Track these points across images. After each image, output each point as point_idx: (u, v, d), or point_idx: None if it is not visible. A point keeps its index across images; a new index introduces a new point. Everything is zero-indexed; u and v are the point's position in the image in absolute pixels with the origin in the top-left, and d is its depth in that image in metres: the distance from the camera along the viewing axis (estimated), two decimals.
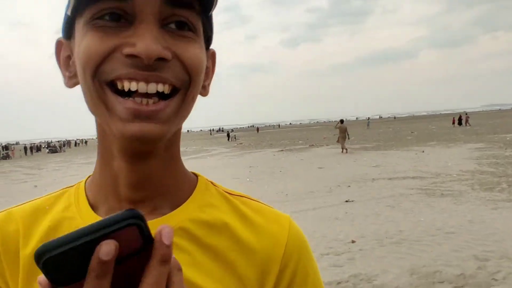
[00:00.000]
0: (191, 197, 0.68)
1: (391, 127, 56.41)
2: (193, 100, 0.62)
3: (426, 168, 13.60)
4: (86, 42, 0.56)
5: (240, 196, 0.72)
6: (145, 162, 0.63)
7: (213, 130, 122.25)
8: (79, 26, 0.58)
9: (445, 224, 6.99)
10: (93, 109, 0.59)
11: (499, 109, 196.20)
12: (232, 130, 51.51)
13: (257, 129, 79.45)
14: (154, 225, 0.57)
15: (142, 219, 0.39)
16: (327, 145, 27.91)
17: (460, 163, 14.43)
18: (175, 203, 0.67)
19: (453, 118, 49.10)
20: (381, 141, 28.77)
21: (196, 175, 0.75)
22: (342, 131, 21.14)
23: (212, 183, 0.75)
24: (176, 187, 0.68)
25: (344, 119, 24.09)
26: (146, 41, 0.54)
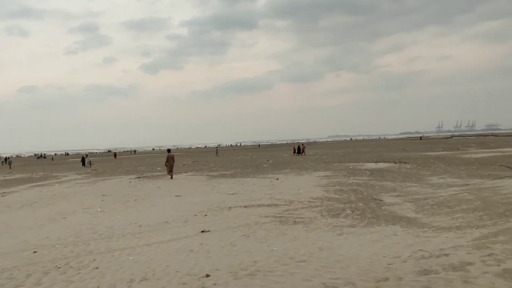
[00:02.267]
0: None
1: (249, 154, 58.39)
2: None
3: (280, 196, 14.05)
4: None
5: None
6: None
7: (39, 155, 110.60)
8: None
9: (297, 252, 7.09)
10: None
11: (344, 140, 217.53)
12: (87, 155, 48.03)
13: (115, 154, 75.55)
14: None
15: None
16: (185, 172, 27.55)
17: (310, 190, 15.23)
18: None
19: (293, 147, 53.79)
20: (239, 168, 29.38)
21: None
22: (170, 159, 23.17)
23: None
24: None
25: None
26: None
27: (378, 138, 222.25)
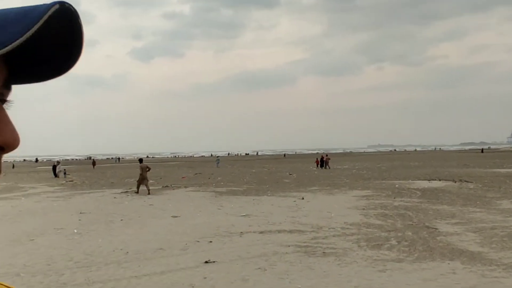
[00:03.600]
0: None
1: (266, 166, 58.43)
2: None
3: (306, 220, 14.03)
4: None
5: None
6: None
7: None
8: None
9: None
10: None
11: (390, 151, 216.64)
12: (59, 162, 48.51)
13: (93, 163, 76.26)
14: None
15: None
16: (185, 186, 27.67)
17: (345, 213, 15.18)
18: None
19: (316, 159, 53.99)
20: (253, 183, 29.41)
21: None
22: (142, 171, 24.39)
23: None
24: None
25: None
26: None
27: (433, 149, 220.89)
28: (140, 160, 27.56)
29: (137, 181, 24.82)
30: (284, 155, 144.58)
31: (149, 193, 23.35)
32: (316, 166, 51.71)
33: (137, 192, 23.93)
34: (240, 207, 17.57)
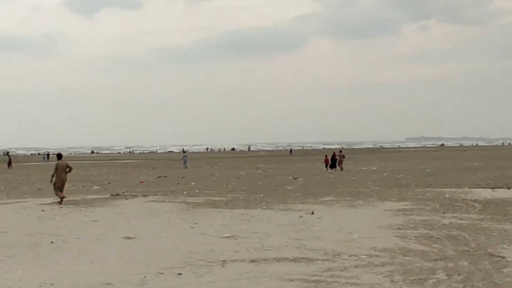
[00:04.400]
0: None
1: (261, 167, 58.44)
2: None
3: (316, 243, 14.04)
4: None
5: None
6: None
7: None
8: None
9: None
10: None
11: (438, 145, 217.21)
12: None
13: (9, 161, 75.59)
14: None
15: None
16: (145, 195, 27.63)
17: (372, 234, 15.19)
18: None
19: (325, 156, 54.06)
20: (241, 191, 29.37)
21: None
22: (60, 170, 25.00)
23: None
24: None
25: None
26: None
27: (500, 144, 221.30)
28: (59, 156, 27.36)
29: (54, 186, 25.08)
30: (291, 151, 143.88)
31: (61, 202, 24.17)
32: (325, 166, 52.21)
33: (61, 202, 24.28)
34: (223, 225, 17.57)
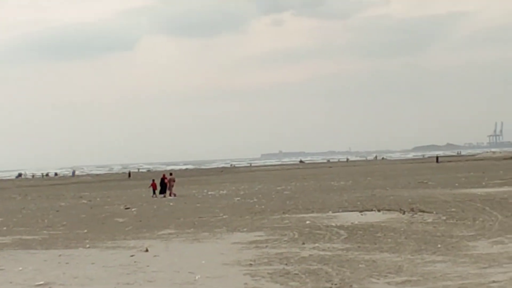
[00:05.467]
0: None
1: (85, 196, 57.74)
2: None
3: None
4: None
5: None
6: None
7: None
8: None
9: None
10: None
11: (300, 161, 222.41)
12: None
13: None
14: None
15: None
16: None
17: (219, 274, 15.21)
18: None
19: (153, 181, 53.92)
20: (60, 227, 28.88)
21: None
22: None
23: None
24: None
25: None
26: None
27: (373, 158, 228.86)
28: None
29: None
30: (129, 174, 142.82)
31: None
32: (153, 192, 51.83)
33: None
34: (36, 270, 17.20)
